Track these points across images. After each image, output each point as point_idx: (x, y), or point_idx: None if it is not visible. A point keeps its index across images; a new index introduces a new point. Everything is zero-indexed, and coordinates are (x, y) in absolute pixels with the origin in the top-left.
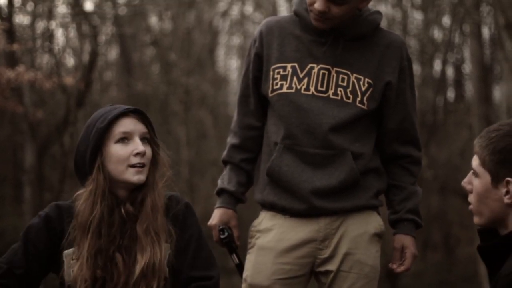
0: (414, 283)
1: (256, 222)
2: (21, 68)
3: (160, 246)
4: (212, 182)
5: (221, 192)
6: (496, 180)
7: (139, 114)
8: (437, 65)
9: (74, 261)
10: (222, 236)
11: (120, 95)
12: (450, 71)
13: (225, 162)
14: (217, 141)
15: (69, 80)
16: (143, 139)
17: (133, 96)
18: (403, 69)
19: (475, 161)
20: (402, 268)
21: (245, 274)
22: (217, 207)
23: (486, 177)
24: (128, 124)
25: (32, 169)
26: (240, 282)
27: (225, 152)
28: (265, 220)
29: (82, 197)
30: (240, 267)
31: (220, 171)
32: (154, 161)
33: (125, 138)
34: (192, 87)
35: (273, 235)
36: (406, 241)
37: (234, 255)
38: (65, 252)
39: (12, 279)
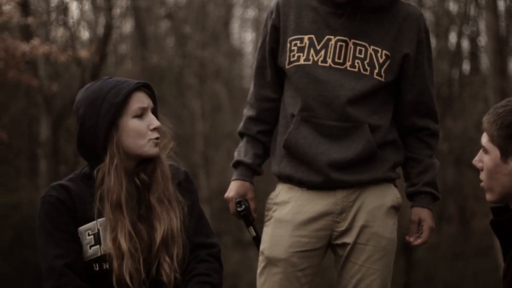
0: (429, 255)
1: (273, 194)
2: (36, 41)
3: (175, 213)
4: (227, 154)
5: (238, 164)
6: (505, 154)
7: (147, 88)
8: (453, 38)
9: (90, 237)
10: (239, 209)
11: (134, 68)
12: (465, 44)
13: (241, 134)
14: (232, 114)
15: (83, 53)
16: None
17: (147, 69)
18: (421, 42)
19: (484, 138)
20: (419, 241)
21: (262, 246)
22: (233, 180)
23: (496, 153)
24: (143, 99)
25: (47, 142)
26: (256, 255)
27: (241, 124)
28: (282, 192)
29: (105, 174)
30: (257, 239)
31: (235, 144)
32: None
33: (142, 113)
34: (207, 60)
35: (290, 208)
36: (423, 214)
37: (251, 227)
38: (80, 228)
39: (72, 269)
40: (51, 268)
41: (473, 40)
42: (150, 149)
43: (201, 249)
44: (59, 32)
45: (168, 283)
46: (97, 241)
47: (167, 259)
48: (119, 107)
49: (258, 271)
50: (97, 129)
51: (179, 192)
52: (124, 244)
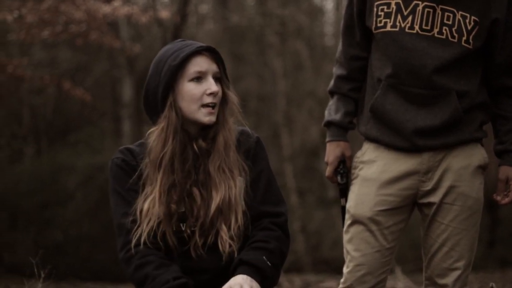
0: None
1: (359, 153)
2: (117, 3)
3: (235, 181)
4: (309, 113)
5: (329, 124)
6: None
7: (212, 53)
8: None
9: (143, 198)
10: (340, 181)
11: (215, 27)
12: None
13: (332, 93)
14: (313, 72)
15: (164, 14)
16: (214, 78)
17: (228, 28)
18: None
19: None
20: (506, 200)
21: (348, 204)
22: (328, 141)
23: None
24: (202, 63)
25: (131, 103)
26: (339, 213)
27: (332, 83)
28: (368, 151)
29: (154, 134)
30: (345, 211)
31: (317, 102)
32: (224, 99)
33: (199, 77)
34: (287, 19)
35: (377, 167)
36: (511, 173)
37: (344, 199)
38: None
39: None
40: (120, 225)
41: None
42: (202, 117)
43: (266, 217)
44: None
45: (223, 251)
46: None
47: (224, 227)
48: (176, 70)
49: (344, 228)
50: (157, 90)
51: (247, 159)
52: (146, 206)
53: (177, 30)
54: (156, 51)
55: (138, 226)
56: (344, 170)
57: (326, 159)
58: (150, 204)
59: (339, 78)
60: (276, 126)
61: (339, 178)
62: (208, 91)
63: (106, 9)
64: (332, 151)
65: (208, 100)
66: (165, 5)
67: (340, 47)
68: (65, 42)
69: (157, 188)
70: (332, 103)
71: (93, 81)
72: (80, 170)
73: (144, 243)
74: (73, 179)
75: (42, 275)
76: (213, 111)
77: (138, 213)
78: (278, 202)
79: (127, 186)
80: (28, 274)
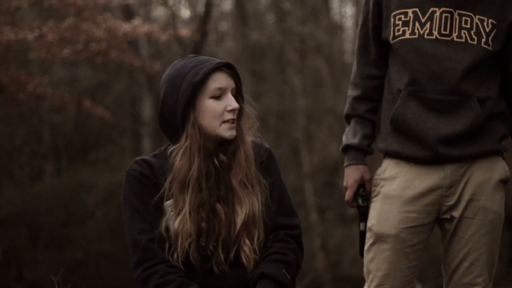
0: None
1: (380, 170)
2: (137, 21)
3: (257, 196)
4: (329, 130)
5: (347, 148)
6: None
7: (230, 69)
8: None
9: (172, 213)
10: (361, 204)
11: (235, 45)
12: None
13: (348, 116)
14: (333, 89)
15: (184, 32)
16: (232, 94)
17: (248, 46)
18: None
19: None
20: None
21: (370, 223)
22: (346, 166)
23: None
24: (222, 80)
25: (150, 121)
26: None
27: (347, 106)
28: (389, 168)
29: (178, 153)
30: (364, 236)
31: (336, 119)
32: (240, 113)
33: (219, 94)
34: (307, 36)
35: (398, 183)
36: None
37: (364, 223)
38: (165, 203)
39: (155, 243)
40: (136, 242)
41: None
42: (224, 132)
43: (282, 229)
44: (160, 11)
45: (248, 265)
46: None
47: (247, 241)
48: (197, 86)
49: (366, 247)
50: (176, 107)
51: (261, 171)
52: (177, 225)
53: (197, 48)
54: None
55: (170, 246)
56: (365, 193)
57: (345, 183)
58: (180, 223)
59: (355, 99)
60: (296, 143)
61: (360, 200)
62: (229, 108)
63: (126, 27)
64: (351, 175)
65: (228, 116)
66: (185, 23)
67: (354, 67)
68: (85, 61)
69: (186, 207)
70: (349, 128)
71: (113, 99)
72: (100, 188)
73: (168, 261)
74: (93, 197)
75: None
76: (233, 125)
77: (165, 232)
78: (292, 214)
79: (145, 200)
80: None
